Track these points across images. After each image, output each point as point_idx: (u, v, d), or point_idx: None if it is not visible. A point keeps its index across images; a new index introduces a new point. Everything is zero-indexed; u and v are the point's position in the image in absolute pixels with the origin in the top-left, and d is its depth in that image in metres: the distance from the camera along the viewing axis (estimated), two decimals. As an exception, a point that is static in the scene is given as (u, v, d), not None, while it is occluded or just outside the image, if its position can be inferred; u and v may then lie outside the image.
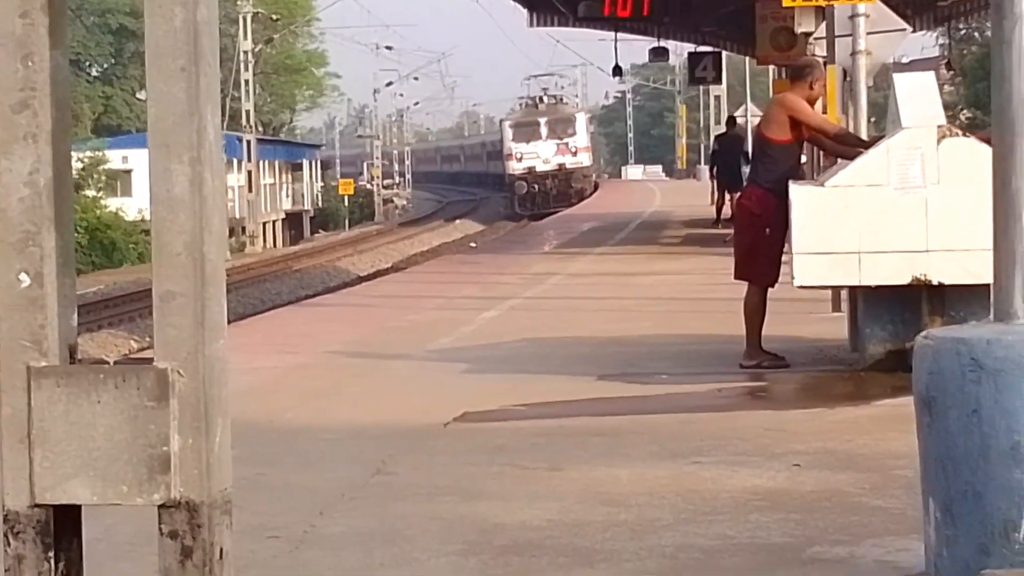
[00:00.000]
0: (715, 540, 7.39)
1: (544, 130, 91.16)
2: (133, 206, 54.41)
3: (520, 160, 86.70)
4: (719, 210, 38.93)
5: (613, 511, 8.05)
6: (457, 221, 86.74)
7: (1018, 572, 5.92)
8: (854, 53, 22.34)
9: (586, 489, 8.60)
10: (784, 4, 24.13)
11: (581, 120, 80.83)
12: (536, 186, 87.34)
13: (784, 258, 12.68)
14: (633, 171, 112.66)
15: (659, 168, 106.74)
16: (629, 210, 50.51)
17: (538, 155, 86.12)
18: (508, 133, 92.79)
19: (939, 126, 12.19)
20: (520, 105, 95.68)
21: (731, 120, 50.92)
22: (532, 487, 8.70)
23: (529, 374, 12.96)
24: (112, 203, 55.76)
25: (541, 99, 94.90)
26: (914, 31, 27.77)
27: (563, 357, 13.89)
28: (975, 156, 10.39)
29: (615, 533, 7.57)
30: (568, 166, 79.90)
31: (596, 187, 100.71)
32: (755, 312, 13.31)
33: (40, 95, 3.79)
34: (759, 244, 13.25)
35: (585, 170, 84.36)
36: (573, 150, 76.28)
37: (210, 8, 3.79)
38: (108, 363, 3.83)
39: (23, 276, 3.79)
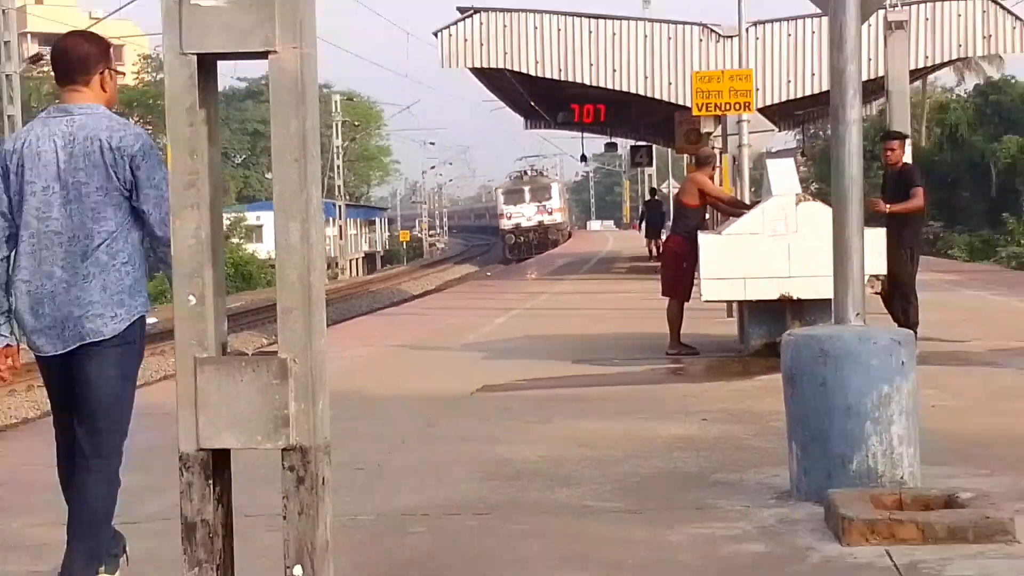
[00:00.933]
0: (651, 470, 7.47)
1: (527, 195, 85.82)
2: (263, 250, 55.40)
3: (509, 218, 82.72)
4: (651, 251, 39.21)
5: (583, 450, 8.13)
6: (477, 258, 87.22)
7: (852, 491, 5.98)
8: (740, 146, 22.34)
9: (565, 436, 8.70)
10: (694, 113, 24.08)
11: (555, 188, 79.36)
12: (521, 238, 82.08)
13: (695, 281, 12.75)
14: (594, 224, 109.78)
15: (612, 222, 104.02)
16: (591, 250, 50.30)
17: (523, 214, 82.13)
18: (500, 198, 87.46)
19: (796, 194, 12.33)
20: (510, 177, 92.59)
21: (653, 191, 51.75)
22: (529, 435, 8.79)
23: (527, 359, 13.01)
24: (249, 247, 57.10)
25: (525, 172, 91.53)
26: (780, 131, 27.62)
27: (549, 348, 13.94)
28: (820, 214, 10.45)
29: (584, 465, 7.65)
30: (545, 223, 76.48)
31: (570, 235, 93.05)
32: (675, 317, 13.39)
33: (201, 177, 3.87)
34: (679, 273, 13.34)
35: (559, 226, 79.96)
36: (550, 211, 74.83)
37: (313, 119, 3.89)
38: (247, 355, 3.93)
39: (191, 297, 3.88)
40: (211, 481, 3.84)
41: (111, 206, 5.40)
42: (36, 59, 50.08)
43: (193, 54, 3.84)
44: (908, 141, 13.37)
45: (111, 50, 5.84)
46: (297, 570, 3.74)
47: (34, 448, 10.23)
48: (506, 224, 69.72)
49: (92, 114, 5.78)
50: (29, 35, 52.77)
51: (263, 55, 3.81)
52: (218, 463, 3.84)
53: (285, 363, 3.78)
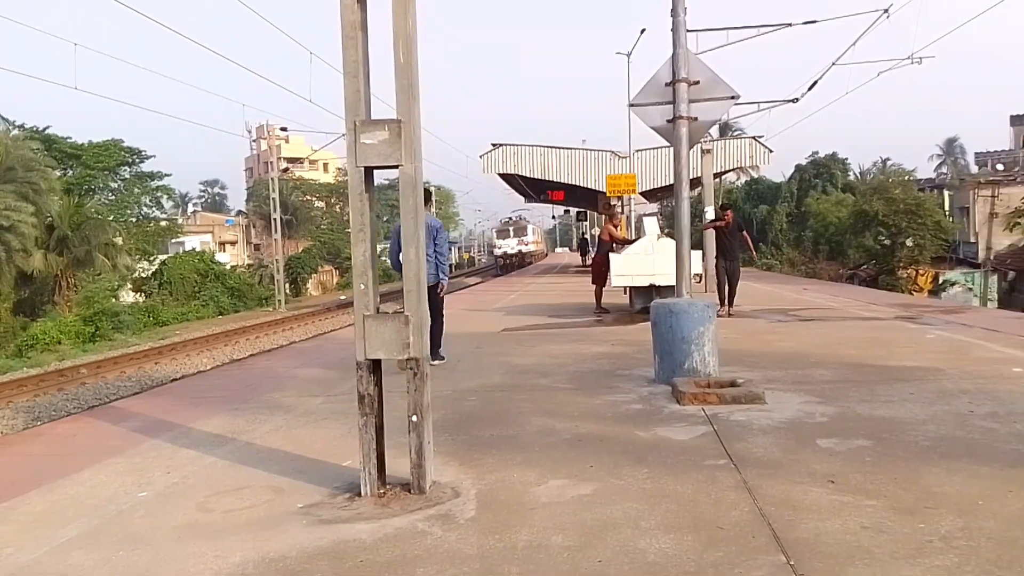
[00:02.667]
0: (585, 369, 7.44)
1: (511, 233, 68.50)
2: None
3: (499, 248, 67.05)
4: (583, 261, 39.49)
5: (552, 359, 8.10)
6: (494, 269, 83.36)
7: (685, 379, 5.98)
8: (630, 210, 22.43)
9: (543, 353, 8.65)
10: (607, 195, 23.93)
11: (531, 228, 64.03)
12: (508, 261, 66.08)
13: (608, 276, 12.66)
14: (559, 249, 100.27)
15: (567, 248, 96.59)
16: (557, 263, 49.94)
17: (508, 245, 65.69)
18: (493, 234, 71.13)
19: (658, 234, 12.28)
20: (500, 221, 74.35)
21: (583, 234, 54.47)
22: (527, 352, 8.74)
23: (526, 315, 12.95)
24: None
25: (511, 219, 73.51)
26: (650, 202, 27.63)
27: (536, 310, 13.85)
28: (669, 244, 10.42)
29: (552, 366, 7.62)
30: (523, 251, 61.38)
31: (546, 255, 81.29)
32: (598, 294, 13.31)
33: (366, 227, 3.88)
34: (600, 272, 13.27)
35: (534, 252, 64.03)
36: (527, 243, 60.24)
37: (420, 199, 3.89)
38: (388, 313, 3.94)
39: (362, 285, 3.88)
40: (372, 374, 3.86)
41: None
42: (285, 171, 50.33)
43: (362, 167, 3.86)
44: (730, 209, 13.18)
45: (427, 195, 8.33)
46: (414, 417, 3.76)
47: (285, 359, 10.26)
48: (498, 252, 58.72)
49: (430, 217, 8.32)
50: (282, 158, 52.56)
51: (396, 167, 3.84)
52: (375, 366, 3.86)
53: (407, 317, 3.80)
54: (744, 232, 12.81)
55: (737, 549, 2.98)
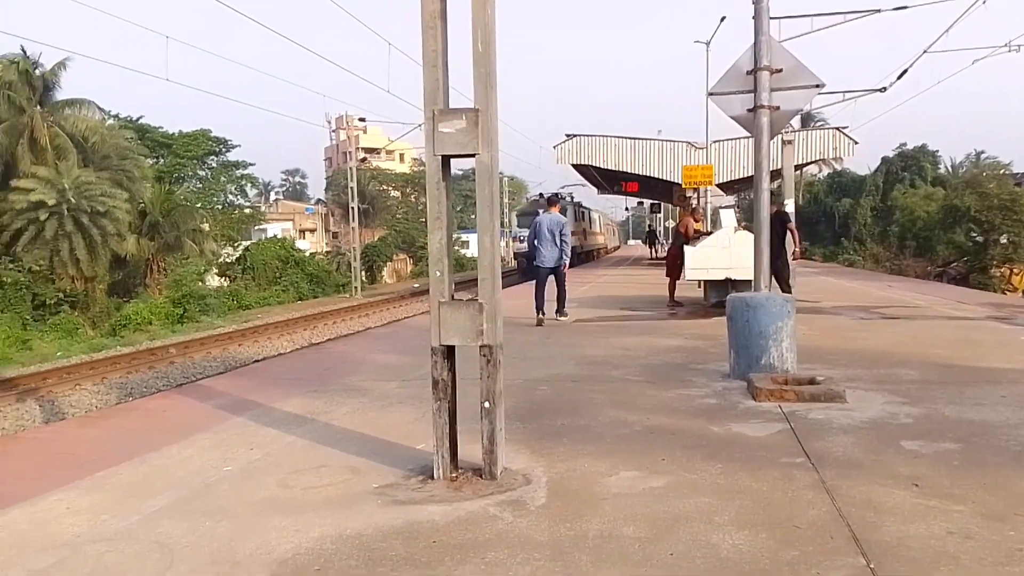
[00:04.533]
0: (658, 361, 7.35)
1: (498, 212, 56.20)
2: (470, 252, 52.74)
3: (521, 241, 43.73)
4: (650, 254, 39.05)
5: (624, 351, 8.03)
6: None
7: (761, 374, 5.85)
8: (706, 202, 22.01)
9: (615, 344, 8.58)
10: (683, 186, 23.56)
11: (570, 211, 40.67)
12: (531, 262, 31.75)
13: (682, 269, 12.42)
14: (632, 242, 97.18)
15: (640, 241, 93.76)
16: (629, 255, 49.45)
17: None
18: (515, 221, 49.86)
19: (734, 227, 12.01)
20: (527, 200, 56.32)
21: (651, 227, 49.71)
22: (598, 343, 8.70)
23: (598, 307, 12.86)
24: (463, 251, 53.80)
25: (542, 195, 46.46)
26: (726, 195, 27.12)
27: (608, 302, 13.72)
28: (746, 237, 10.19)
29: (624, 358, 7.57)
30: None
31: (617, 248, 64.70)
32: (672, 287, 13.15)
33: (442, 216, 3.92)
34: (674, 265, 13.06)
35: (592, 248, 45.53)
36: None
37: (496, 188, 3.91)
38: (463, 300, 3.98)
39: (438, 272, 3.93)
40: (446, 360, 3.90)
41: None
42: (362, 161, 51.32)
43: (439, 155, 3.90)
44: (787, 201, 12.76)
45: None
46: (487, 404, 3.79)
47: (361, 344, 10.49)
48: (519, 248, 40.62)
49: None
50: (360, 148, 53.59)
51: (473, 156, 3.87)
52: (449, 352, 3.91)
53: (481, 304, 3.83)
54: (790, 226, 11.93)
55: (814, 549, 2.90)
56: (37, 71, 38.37)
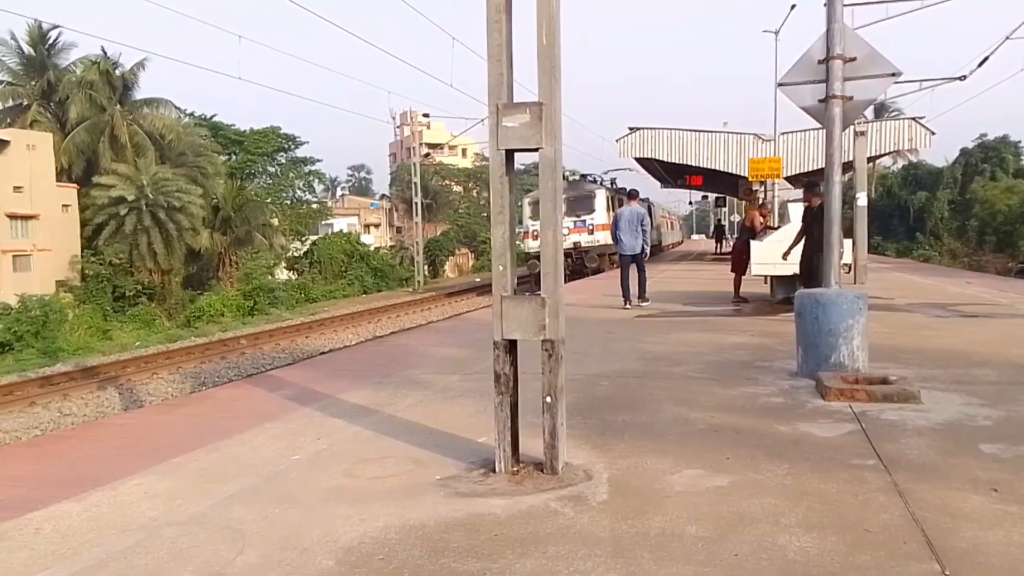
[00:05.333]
0: (722, 359, 7.22)
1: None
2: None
3: (535, 238, 26.52)
4: (716, 249, 38.24)
5: (687, 347, 7.92)
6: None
7: (831, 373, 5.70)
8: (774, 196, 21.45)
9: (678, 340, 8.47)
10: (749, 179, 23.10)
11: (601, 198, 28.41)
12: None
13: (748, 264, 12.15)
14: (696, 236, 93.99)
15: (703, 235, 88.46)
16: (693, 250, 48.62)
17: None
18: (527, 210, 29.87)
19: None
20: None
21: (719, 221, 48.80)
22: (660, 339, 8.59)
23: (660, 302, 12.67)
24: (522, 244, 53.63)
25: (564, 176, 13.01)
26: (794, 188, 26.34)
27: (671, 297, 13.52)
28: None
29: (688, 355, 7.45)
30: (583, 244, 28.37)
31: (682, 242, 60.75)
32: (737, 283, 12.89)
33: (505, 209, 3.92)
34: (740, 260, 12.79)
35: (600, 249, 26.94)
36: (589, 228, 28.06)
37: (559, 182, 3.89)
38: (525, 295, 3.98)
39: (500, 267, 3.94)
40: (508, 354, 3.91)
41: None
42: (426, 155, 51.85)
43: (503, 149, 3.90)
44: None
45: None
46: (548, 399, 3.78)
47: (424, 337, 10.60)
48: (531, 245, 27.16)
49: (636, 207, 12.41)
50: (423, 144, 54.10)
51: (536, 150, 3.86)
52: (511, 346, 3.91)
53: (543, 299, 3.82)
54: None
55: (886, 554, 2.80)
56: (117, 71, 39.98)
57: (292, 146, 49.14)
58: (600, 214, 27.17)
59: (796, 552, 2.83)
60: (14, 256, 35.01)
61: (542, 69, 3.83)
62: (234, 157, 47.13)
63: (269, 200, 44.27)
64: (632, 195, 13.25)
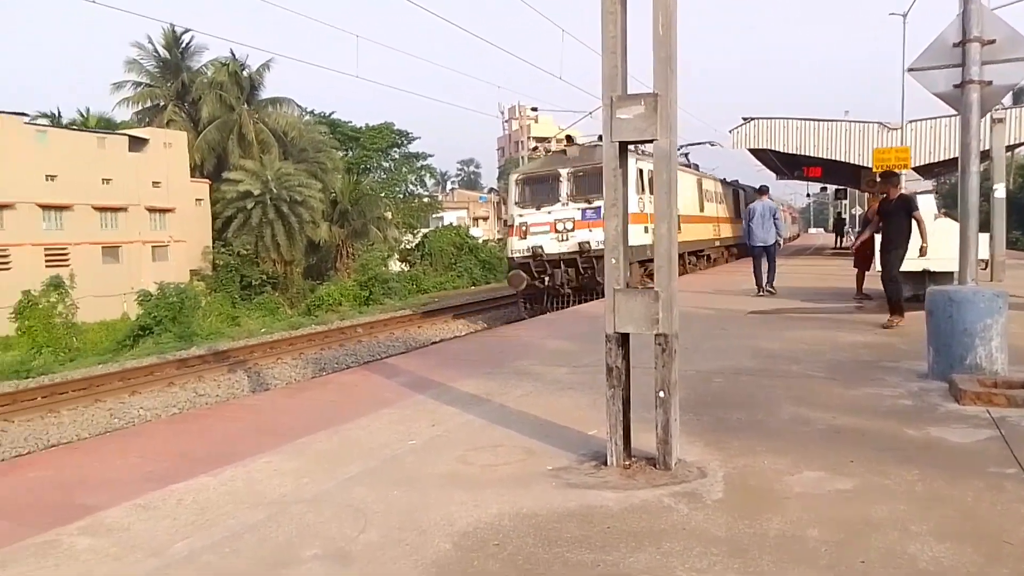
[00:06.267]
0: (844, 358, 6.88)
1: (565, 186, 15.39)
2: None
3: (524, 236, 15.46)
4: (837, 243, 36.23)
5: (805, 345, 7.60)
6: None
7: (966, 375, 5.34)
8: (908, 182, 20.23)
9: (795, 338, 8.13)
10: (873, 170, 21.90)
11: (632, 169, 11.72)
12: (543, 277, 15.52)
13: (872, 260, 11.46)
14: (813, 230, 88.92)
15: (822, 229, 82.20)
16: (811, 244, 46.47)
17: (551, 227, 15.32)
18: (513, 192, 16.12)
19: (935, 214, 10.94)
20: (544, 152, 18.24)
21: (839, 213, 45.98)
22: (775, 336, 8.27)
23: (775, 299, 12.26)
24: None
25: (570, 138, 17.23)
26: (925, 179, 24.83)
27: (787, 293, 12.94)
28: (947, 224, 9.31)
29: (806, 353, 7.15)
30: (594, 247, 14.19)
31: (798, 235, 54.70)
32: (860, 279, 12.24)
33: (618, 201, 3.89)
34: (863, 255, 12.04)
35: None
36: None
37: (675, 172, 3.82)
38: (638, 288, 3.93)
39: (613, 260, 3.91)
40: (620, 347, 3.88)
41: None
42: (534, 149, 52.15)
43: (617, 141, 3.87)
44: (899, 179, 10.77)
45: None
46: (661, 393, 3.73)
47: (532, 329, 10.67)
48: (517, 249, 15.66)
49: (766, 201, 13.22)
50: (531, 138, 54.38)
51: (651, 141, 3.81)
52: (623, 339, 3.88)
53: (657, 293, 3.77)
54: (916, 215, 9.20)
55: (1030, 570, 2.61)
56: (245, 72, 42.22)
57: (405, 142, 50.45)
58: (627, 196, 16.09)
59: (928, 562, 2.68)
60: (153, 247, 37.71)
61: (658, 59, 3.78)
62: (351, 153, 48.87)
63: (383, 194, 45.66)
64: (763, 191, 14.06)
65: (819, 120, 24.26)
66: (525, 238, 16.02)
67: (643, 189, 16.44)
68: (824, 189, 51.64)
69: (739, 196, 29.85)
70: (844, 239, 36.09)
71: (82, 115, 43.22)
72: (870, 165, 22.09)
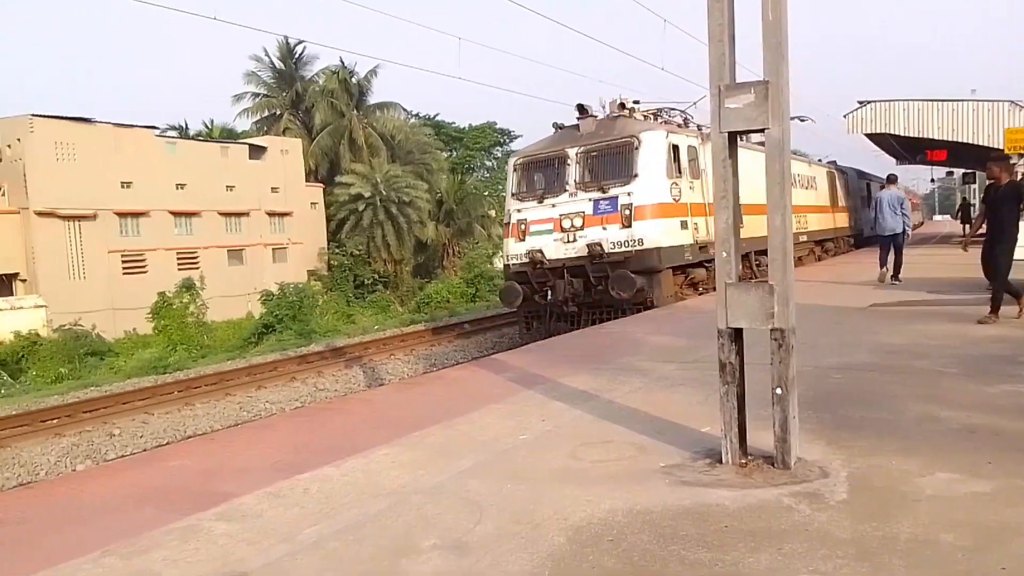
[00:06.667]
0: (975, 352, 6.43)
1: (574, 171, 11.23)
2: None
3: (522, 238, 11.57)
4: (964, 231, 33.63)
5: (931, 340, 7.14)
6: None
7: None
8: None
9: (920, 332, 7.66)
10: (1006, 151, 20.37)
11: (655, 147, 9.94)
12: (544, 291, 11.51)
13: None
14: (937, 217, 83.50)
15: (948, 216, 77.51)
16: (936, 232, 43.64)
17: (555, 225, 11.28)
18: (511, 181, 12.44)
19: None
20: (555, 129, 12.38)
21: (964, 199, 42.65)
22: (898, 331, 7.80)
23: (897, 290, 11.62)
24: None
25: (582, 108, 12.18)
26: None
27: (910, 285, 12.25)
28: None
29: (932, 348, 6.72)
30: (607, 249, 10.49)
31: (921, 223, 49.68)
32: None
33: (728, 193, 3.80)
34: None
35: (648, 258, 9.76)
36: (626, 214, 9.24)
37: (788, 161, 3.69)
38: (749, 281, 3.81)
39: (724, 253, 3.81)
40: (733, 343, 3.79)
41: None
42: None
43: (726, 132, 3.77)
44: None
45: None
46: (779, 390, 3.61)
47: (639, 325, 10.52)
48: (514, 253, 11.90)
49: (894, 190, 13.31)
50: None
51: (762, 131, 3.70)
52: (736, 335, 3.78)
53: (772, 287, 3.65)
54: None
55: None
56: (353, 79, 43.68)
57: (507, 140, 50.95)
58: (651, 179, 11.89)
59: (1081, 573, 2.47)
60: (273, 249, 39.68)
61: (767, 46, 3.66)
62: (455, 153, 49.80)
63: (487, 193, 46.26)
64: (891, 180, 13.96)
65: (943, 100, 22.75)
66: (523, 240, 12.38)
67: (679, 171, 12.39)
68: (950, 174, 48.29)
69: (837, 180, 25.72)
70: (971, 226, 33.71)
71: (206, 126, 45.95)
72: (1001, 146, 20.57)
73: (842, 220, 25.63)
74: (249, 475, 4.24)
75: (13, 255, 30.97)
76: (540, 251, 12.08)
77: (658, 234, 11.45)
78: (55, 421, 11.46)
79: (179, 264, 34.69)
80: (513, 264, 12.49)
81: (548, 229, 12.17)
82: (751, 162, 14.49)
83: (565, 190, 12.19)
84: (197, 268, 33.85)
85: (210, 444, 5.69)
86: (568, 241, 11.98)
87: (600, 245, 11.59)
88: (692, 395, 5.35)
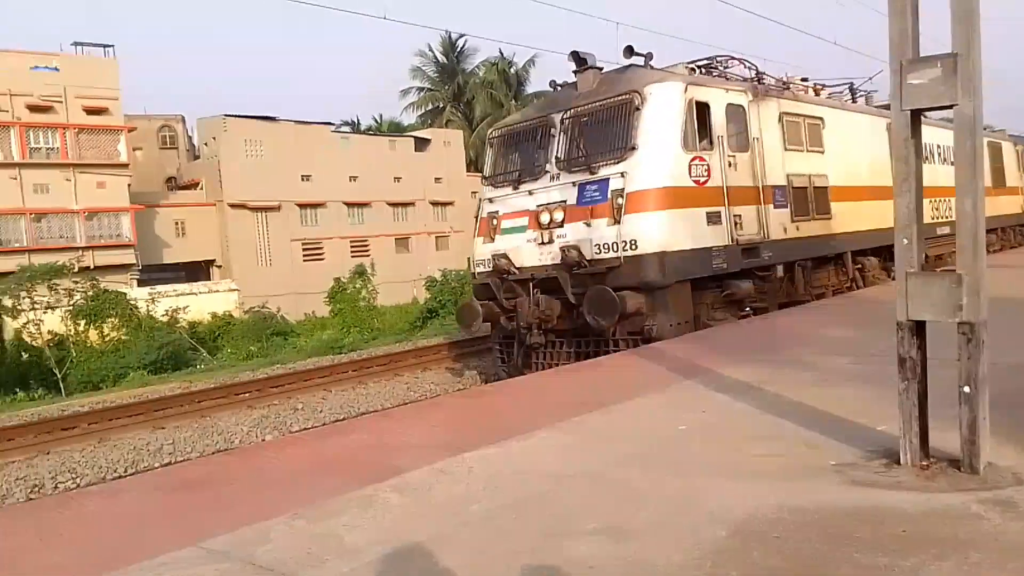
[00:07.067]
0: None
1: (558, 144, 7.67)
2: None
3: (491, 237, 8.45)
4: None
5: None
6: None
7: None
8: None
9: None
10: None
11: (666, 100, 6.20)
12: (512, 312, 8.06)
13: None
14: None
15: None
16: None
17: (530, 219, 8.00)
18: (487, 161, 9.21)
19: None
20: (515, 106, 26.17)
21: None
22: None
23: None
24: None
25: (578, 56, 8.12)
26: None
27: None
28: None
29: None
30: (591, 254, 7.09)
31: None
32: None
33: (911, 176, 3.55)
34: None
35: (643, 264, 6.54)
36: (617, 204, 6.02)
37: (980, 140, 3.40)
38: (935, 271, 3.55)
39: (904, 240, 3.57)
40: (915, 336, 3.54)
41: None
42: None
43: (908, 110, 3.53)
44: None
45: None
46: (966, 388, 3.34)
47: (806, 316, 10.02)
48: (478, 258, 8.91)
49: None
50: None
51: (950, 107, 3.43)
52: (918, 328, 3.53)
53: (960, 276, 3.38)
54: None
55: None
56: (512, 69, 44.44)
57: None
58: (656, 152, 8.35)
59: None
60: (436, 237, 41.37)
61: (956, 16, 3.39)
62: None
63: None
64: None
65: None
66: (492, 240, 9.43)
67: (707, 140, 8.78)
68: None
69: (1005, 153, 19.79)
70: None
71: (376, 121, 48.54)
72: None
73: (1010, 205, 19.57)
74: (419, 451, 4.49)
75: (210, 244, 34.45)
76: (506, 256, 8.98)
77: (662, 233, 8.06)
78: (247, 395, 12.66)
79: (352, 251, 37.03)
80: (478, 273, 9.64)
81: (522, 226, 9.06)
82: (849, 128, 10.77)
83: (546, 171, 8.95)
84: (368, 255, 35.99)
85: (384, 421, 6.06)
86: (543, 242, 8.80)
87: (578, 249, 8.32)
88: (864, 391, 5.02)
